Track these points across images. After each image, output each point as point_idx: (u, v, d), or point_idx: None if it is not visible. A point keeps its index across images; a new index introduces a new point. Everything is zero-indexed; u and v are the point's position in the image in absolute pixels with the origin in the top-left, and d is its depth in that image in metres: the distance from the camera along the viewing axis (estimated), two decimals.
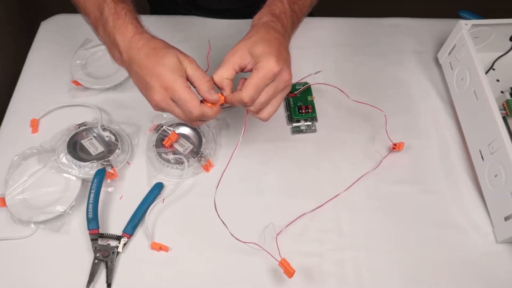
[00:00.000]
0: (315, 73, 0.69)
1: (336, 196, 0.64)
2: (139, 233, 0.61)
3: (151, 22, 0.82)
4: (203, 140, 0.67)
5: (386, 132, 0.68)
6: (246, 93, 0.52)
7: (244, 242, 0.56)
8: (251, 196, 0.64)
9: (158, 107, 0.53)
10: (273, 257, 0.56)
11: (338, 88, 0.69)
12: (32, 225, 0.61)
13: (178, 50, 0.54)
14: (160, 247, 0.59)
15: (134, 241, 0.61)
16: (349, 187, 0.65)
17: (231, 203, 0.63)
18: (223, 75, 0.53)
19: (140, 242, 0.60)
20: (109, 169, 0.64)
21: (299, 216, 0.62)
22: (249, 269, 0.59)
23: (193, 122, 0.56)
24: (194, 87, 0.54)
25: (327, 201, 0.63)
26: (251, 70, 0.54)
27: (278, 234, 0.60)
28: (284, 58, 0.53)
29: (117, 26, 0.55)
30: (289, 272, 0.55)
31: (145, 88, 0.53)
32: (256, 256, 0.59)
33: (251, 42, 0.54)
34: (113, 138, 0.67)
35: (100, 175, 0.62)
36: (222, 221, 0.56)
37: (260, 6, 0.61)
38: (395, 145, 0.67)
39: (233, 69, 0.54)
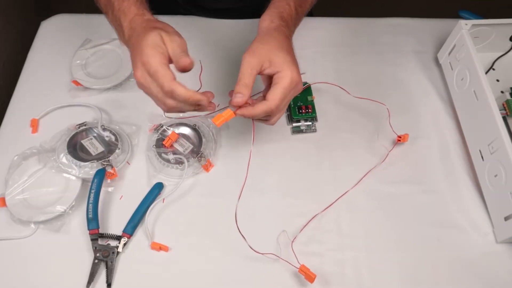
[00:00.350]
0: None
1: (345, 193, 0.64)
2: (139, 233, 0.61)
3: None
4: (203, 140, 0.67)
5: (389, 125, 0.68)
6: (274, 103, 0.52)
7: (262, 254, 0.57)
8: (251, 196, 0.64)
9: (139, 84, 0.52)
10: (292, 265, 0.57)
11: (339, 86, 0.69)
12: (32, 225, 0.61)
13: (165, 30, 0.53)
14: (160, 247, 0.59)
15: (134, 241, 0.61)
16: (357, 183, 0.65)
17: (231, 203, 0.63)
18: (248, 83, 0.52)
19: (140, 242, 0.60)
20: (109, 169, 0.64)
21: (311, 219, 0.62)
22: (249, 269, 0.59)
23: (167, 104, 0.52)
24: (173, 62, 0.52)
25: (337, 199, 0.64)
26: (265, 75, 0.54)
27: (293, 242, 0.60)
28: (298, 67, 0.55)
29: (121, 8, 0.57)
30: (310, 278, 0.55)
31: (132, 66, 0.53)
32: (256, 257, 0.59)
33: (271, 49, 0.54)
34: (113, 138, 0.67)
35: (100, 175, 0.62)
36: (242, 234, 0.56)
37: (265, 5, 0.61)
38: (400, 137, 0.67)
39: (253, 77, 0.53)
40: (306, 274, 0.55)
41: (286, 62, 0.53)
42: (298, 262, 0.57)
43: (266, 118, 0.56)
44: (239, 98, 0.52)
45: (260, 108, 0.53)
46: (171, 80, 0.50)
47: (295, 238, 0.60)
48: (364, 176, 0.66)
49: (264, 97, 0.55)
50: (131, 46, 0.54)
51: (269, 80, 0.55)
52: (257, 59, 0.53)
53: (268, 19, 0.59)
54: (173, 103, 0.51)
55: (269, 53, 0.54)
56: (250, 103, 0.54)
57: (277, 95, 0.52)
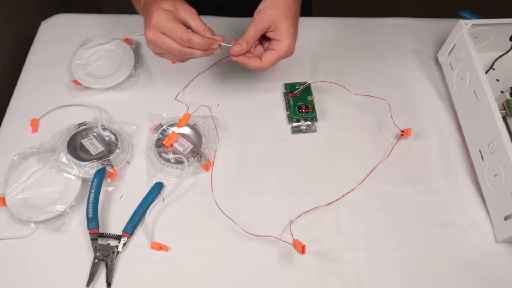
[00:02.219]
0: None
1: (352, 189, 0.64)
2: (139, 233, 0.61)
3: None
4: (203, 140, 0.67)
5: (391, 119, 0.68)
6: (266, 65, 0.61)
7: (258, 236, 0.58)
8: (251, 196, 0.64)
9: (151, 41, 0.59)
10: (287, 242, 0.57)
11: (339, 84, 0.69)
12: (32, 225, 0.61)
13: (181, 1, 0.60)
14: (160, 247, 0.59)
15: (134, 241, 0.61)
16: (364, 179, 0.65)
17: (231, 203, 0.63)
18: (249, 40, 0.60)
19: (140, 242, 0.60)
20: (109, 169, 0.64)
21: (312, 208, 0.63)
22: (250, 269, 0.59)
23: (183, 52, 0.59)
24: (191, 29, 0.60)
25: (344, 195, 0.64)
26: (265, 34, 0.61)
27: (292, 223, 0.61)
28: (296, 37, 0.62)
29: None
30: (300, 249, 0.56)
31: (144, 27, 0.59)
32: (256, 256, 0.59)
33: (279, 15, 0.59)
34: (113, 137, 0.67)
35: (100, 174, 0.62)
36: (229, 217, 0.57)
37: None
38: (403, 131, 0.67)
39: (257, 37, 0.60)
40: (297, 246, 0.56)
41: (288, 33, 0.60)
42: (292, 236, 0.58)
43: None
44: (237, 48, 0.60)
45: (253, 63, 0.61)
46: (186, 31, 0.58)
47: (293, 220, 0.60)
48: (371, 172, 0.66)
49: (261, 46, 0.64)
50: (146, 12, 0.60)
51: (264, 36, 0.62)
52: (265, 23, 0.59)
53: None
54: (189, 50, 0.59)
55: (277, 19, 0.59)
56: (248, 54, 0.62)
57: (271, 59, 0.61)
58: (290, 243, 0.57)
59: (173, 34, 0.57)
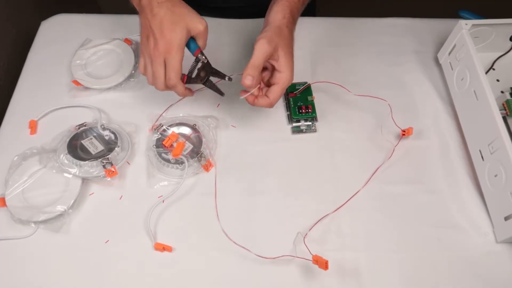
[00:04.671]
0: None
1: (357, 192, 0.64)
2: (142, 234, 0.61)
3: None
4: (203, 140, 0.67)
5: (392, 120, 0.68)
6: (274, 101, 0.61)
7: (274, 258, 0.58)
8: (251, 196, 0.64)
9: (141, 70, 0.60)
10: (305, 259, 0.57)
11: (339, 85, 0.69)
12: (32, 225, 0.61)
13: (192, 21, 0.57)
14: (163, 248, 0.59)
15: (137, 242, 0.60)
16: (368, 181, 0.65)
17: (231, 203, 0.63)
18: (259, 66, 0.58)
19: (143, 243, 0.60)
20: (108, 167, 0.64)
21: (322, 218, 0.62)
22: (251, 269, 0.59)
23: (160, 87, 0.60)
24: None
25: (349, 199, 0.64)
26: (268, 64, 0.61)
27: (305, 237, 0.60)
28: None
29: None
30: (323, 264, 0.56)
31: (147, 36, 0.58)
32: (258, 257, 0.59)
33: (282, 45, 0.59)
34: (112, 136, 0.67)
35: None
36: (237, 243, 0.57)
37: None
38: (404, 131, 0.67)
39: (264, 62, 0.59)
40: (319, 263, 0.55)
41: (289, 65, 0.60)
42: (311, 252, 0.57)
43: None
44: (249, 81, 0.58)
45: (262, 102, 0.61)
46: (179, 82, 0.59)
47: (306, 233, 0.60)
48: (374, 173, 0.66)
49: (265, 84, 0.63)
50: (150, 16, 0.57)
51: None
52: (271, 49, 0.58)
53: (281, 13, 0.62)
54: (167, 89, 0.61)
55: (280, 49, 0.59)
56: (255, 94, 0.61)
57: (277, 94, 0.61)
58: (306, 259, 0.57)
59: (169, 71, 0.57)
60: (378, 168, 0.66)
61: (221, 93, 0.64)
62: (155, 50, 0.57)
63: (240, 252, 0.59)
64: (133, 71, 0.75)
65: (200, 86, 0.65)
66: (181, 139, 0.67)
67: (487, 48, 0.73)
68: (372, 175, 0.66)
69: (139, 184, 0.65)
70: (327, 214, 0.62)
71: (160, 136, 0.67)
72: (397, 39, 0.81)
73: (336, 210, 0.63)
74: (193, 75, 0.63)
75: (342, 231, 0.62)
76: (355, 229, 0.62)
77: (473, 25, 0.68)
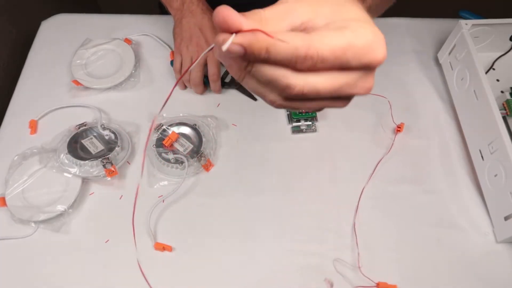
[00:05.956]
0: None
1: (363, 189, 0.64)
2: (142, 233, 0.61)
3: (163, 21, 0.82)
4: (203, 140, 0.67)
5: (391, 117, 0.69)
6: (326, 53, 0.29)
7: None
8: (251, 196, 0.64)
9: (178, 49, 0.70)
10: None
11: None
12: (33, 224, 0.61)
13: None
14: (163, 247, 0.59)
15: (137, 242, 0.60)
16: (370, 178, 0.65)
17: (231, 203, 0.63)
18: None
19: (143, 243, 0.60)
20: (109, 167, 0.63)
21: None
22: (251, 268, 0.59)
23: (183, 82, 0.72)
24: None
25: (359, 197, 0.64)
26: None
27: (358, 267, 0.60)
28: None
29: None
30: None
31: (186, 39, 0.69)
32: (259, 256, 0.59)
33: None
34: (112, 136, 0.67)
35: None
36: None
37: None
38: (399, 126, 0.68)
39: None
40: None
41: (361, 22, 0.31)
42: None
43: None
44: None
45: (288, 49, 0.29)
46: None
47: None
48: (375, 169, 0.66)
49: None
50: (188, 21, 0.69)
51: None
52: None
53: None
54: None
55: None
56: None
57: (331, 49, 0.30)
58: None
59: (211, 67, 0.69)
60: (378, 163, 0.66)
61: (254, 98, 0.64)
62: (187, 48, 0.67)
63: (240, 252, 0.59)
64: (133, 71, 0.75)
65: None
66: (181, 139, 0.67)
67: (487, 48, 0.73)
68: (373, 172, 0.66)
69: (140, 184, 0.65)
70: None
71: (160, 136, 0.67)
72: (397, 39, 0.81)
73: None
74: (227, 79, 0.69)
75: (342, 231, 0.62)
76: (355, 228, 0.62)
77: (473, 25, 0.68)
